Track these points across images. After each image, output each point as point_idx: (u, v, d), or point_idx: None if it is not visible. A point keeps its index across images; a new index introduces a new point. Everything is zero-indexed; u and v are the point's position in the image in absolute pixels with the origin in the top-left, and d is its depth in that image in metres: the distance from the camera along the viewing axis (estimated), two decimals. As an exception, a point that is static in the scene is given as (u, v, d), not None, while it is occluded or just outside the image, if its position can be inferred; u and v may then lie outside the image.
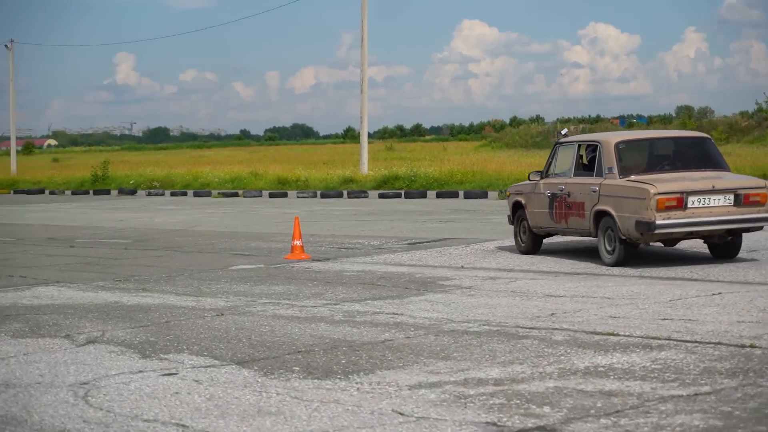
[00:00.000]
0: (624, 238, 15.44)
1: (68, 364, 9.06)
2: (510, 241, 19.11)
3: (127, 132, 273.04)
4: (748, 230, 15.84)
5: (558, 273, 14.86)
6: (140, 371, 8.72)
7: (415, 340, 9.86)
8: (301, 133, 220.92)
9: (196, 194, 46.30)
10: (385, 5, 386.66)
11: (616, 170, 15.90)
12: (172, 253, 19.48)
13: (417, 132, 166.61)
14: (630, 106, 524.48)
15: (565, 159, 17.51)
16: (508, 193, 19.39)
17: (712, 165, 16.30)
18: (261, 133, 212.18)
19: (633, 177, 15.71)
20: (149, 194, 48.65)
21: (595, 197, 16.05)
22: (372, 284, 14.14)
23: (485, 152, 74.55)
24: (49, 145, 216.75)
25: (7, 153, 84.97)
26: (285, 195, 43.22)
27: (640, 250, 16.80)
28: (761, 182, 15.95)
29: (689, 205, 15.19)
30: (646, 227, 15.05)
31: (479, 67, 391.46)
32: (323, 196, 41.75)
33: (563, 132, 19.74)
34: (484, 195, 37.48)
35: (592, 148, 16.79)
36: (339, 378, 8.26)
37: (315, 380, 8.20)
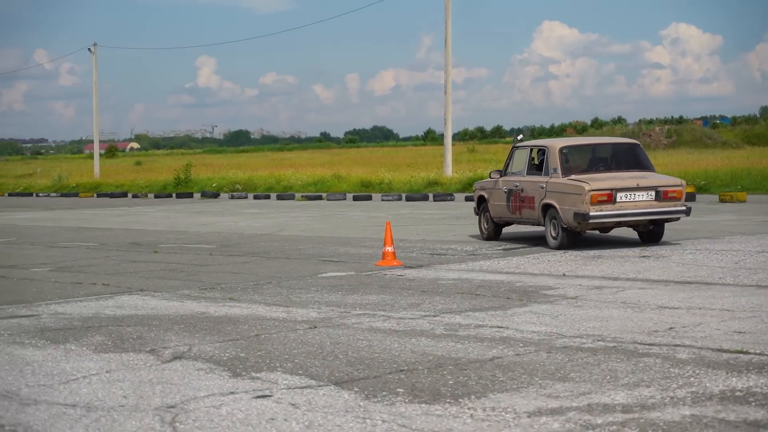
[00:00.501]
0: (565, 226, 18.97)
1: (153, 384, 8.40)
2: (611, 248, 18.39)
3: (208, 135, 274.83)
4: (667, 221, 19.43)
5: (668, 282, 13.98)
6: (231, 393, 8.02)
7: (526, 357, 9.08)
8: (381, 136, 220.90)
9: (279, 197, 45.78)
10: (465, 7, 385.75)
11: (559, 170, 19.42)
12: (259, 259, 18.86)
13: (497, 134, 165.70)
14: (713, 107, 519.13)
15: (520, 160, 20.96)
16: (474, 189, 22.80)
17: (640, 167, 19.84)
18: (341, 136, 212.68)
19: (573, 176, 19.21)
20: (232, 197, 48.17)
21: (543, 193, 19.59)
22: (471, 294, 13.37)
23: (569, 154, 73.25)
24: (131, 149, 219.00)
25: (91, 156, 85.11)
26: (369, 198, 42.55)
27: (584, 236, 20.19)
28: (678, 181, 19.53)
29: (618, 199, 18.71)
30: (582, 218, 18.54)
31: (559, 68, 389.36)
32: (408, 199, 41.01)
33: (519, 138, 23.02)
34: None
35: (542, 151, 20.23)
36: (448, 402, 7.51)
37: (422, 405, 7.45)
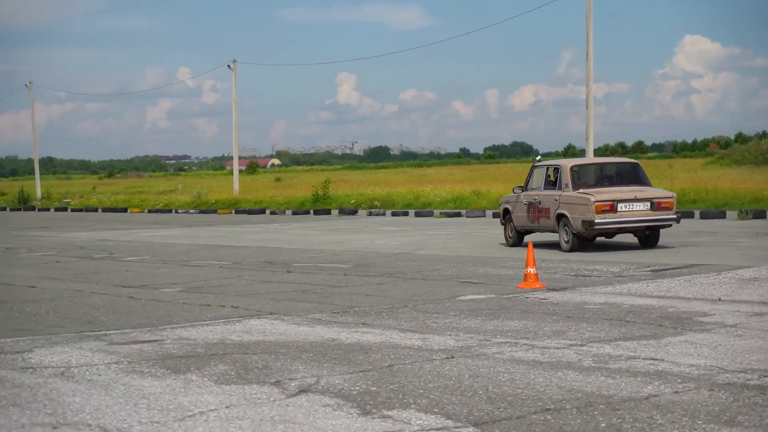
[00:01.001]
0: (575, 232, 22.74)
1: (275, 422, 7.68)
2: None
3: (348, 151, 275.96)
4: (661, 227, 23.10)
5: (836, 308, 12.86)
6: (359, 435, 7.28)
7: (686, 395, 8.16)
8: (520, 151, 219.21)
9: (418, 214, 45.06)
10: (606, 22, 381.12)
11: (570, 185, 23.15)
12: (395, 279, 18.13)
13: (638, 149, 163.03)
14: None
15: (538, 178, 24.64)
16: (499, 203, 26.97)
17: (638, 182, 23.40)
18: (480, 151, 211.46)
19: (581, 190, 22.88)
20: (370, 214, 47.57)
21: (557, 204, 23.31)
22: (620, 320, 12.43)
23: (713, 169, 71.42)
24: (272, 165, 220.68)
25: (231, 173, 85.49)
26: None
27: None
28: (669, 194, 23.24)
29: (619, 209, 22.39)
30: (589, 224, 22.24)
31: (701, 82, 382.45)
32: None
33: (537, 158, 27.25)
34: (722, 215, 35.14)
35: (556, 170, 23.82)
36: (602, 451, 6.65)
37: (573, 453, 6.61)
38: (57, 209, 66.96)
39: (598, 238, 23.98)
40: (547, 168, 24.21)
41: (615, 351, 10.26)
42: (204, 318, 13.77)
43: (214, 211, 56.45)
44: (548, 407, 7.91)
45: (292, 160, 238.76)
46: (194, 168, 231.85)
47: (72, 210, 64.50)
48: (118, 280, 19.49)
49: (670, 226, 23.16)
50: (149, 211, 60.42)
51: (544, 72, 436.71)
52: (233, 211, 55.58)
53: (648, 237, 23.42)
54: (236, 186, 70.52)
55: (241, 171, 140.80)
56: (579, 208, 22.52)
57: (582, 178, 23.47)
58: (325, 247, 26.49)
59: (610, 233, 23.18)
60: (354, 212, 49.22)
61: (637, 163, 24.18)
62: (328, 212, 50.35)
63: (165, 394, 8.81)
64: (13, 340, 12.21)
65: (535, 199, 24.24)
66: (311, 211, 51.00)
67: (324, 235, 32.27)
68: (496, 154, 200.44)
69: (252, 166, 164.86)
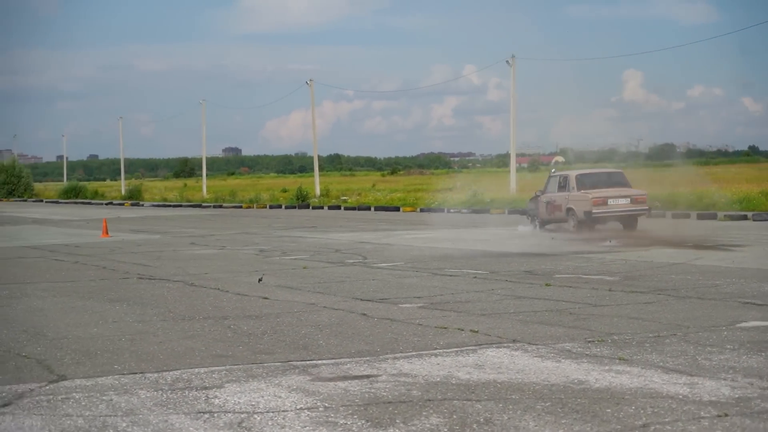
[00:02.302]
0: (582, 220, 32.23)
1: None
2: None
3: (633, 149, 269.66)
4: (638, 215, 32.84)
5: None
6: None
7: None
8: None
9: (700, 216, 41.90)
10: None
11: (575, 188, 32.90)
12: (665, 298, 15.77)
13: None
14: None
15: (553, 184, 34.54)
16: (526, 203, 38.88)
17: (622, 185, 33.11)
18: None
19: (583, 190, 32.54)
20: (649, 215, 44.52)
21: (567, 201, 33.05)
22: None
23: None
24: (556, 162, 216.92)
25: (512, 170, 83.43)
26: (803, 219, 38.06)
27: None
28: (643, 191, 33.01)
29: (609, 203, 31.94)
30: (588, 214, 31.88)
31: None
32: None
33: (553, 170, 37.47)
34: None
35: (565, 178, 33.78)
36: None
37: None
38: (330, 207, 66.48)
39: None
40: (559, 177, 34.49)
41: None
42: (435, 345, 11.87)
43: (487, 211, 54.60)
44: None
45: (576, 158, 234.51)
46: (478, 165, 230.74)
47: (345, 208, 63.65)
48: (359, 291, 17.85)
49: (644, 214, 33.23)
50: (421, 210, 59.12)
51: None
52: (506, 211, 53.62)
53: (629, 224, 33.05)
54: (513, 184, 68.62)
55: (522, 168, 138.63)
56: (582, 203, 32.55)
57: (583, 182, 33.22)
58: (594, 255, 24.21)
59: (604, 220, 32.57)
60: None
61: (621, 171, 35.42)
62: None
63: (347, 464, 6.96)
64: (209, 370, 10.63)
65: (551, 199, 34.39)
66: (589, 212, 48.54)
67: (597, 241, 29.94)
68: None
69: (534, 164, 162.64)
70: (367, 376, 10.11)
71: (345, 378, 10.06)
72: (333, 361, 11.04)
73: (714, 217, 41.28)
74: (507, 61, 75.00)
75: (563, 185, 33.61)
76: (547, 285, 17.94)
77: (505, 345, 11.74)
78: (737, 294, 15.89)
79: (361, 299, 16.62)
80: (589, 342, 11.77)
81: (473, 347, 11.65)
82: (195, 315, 15.22)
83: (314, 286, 18.80)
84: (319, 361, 11.02)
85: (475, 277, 19.69)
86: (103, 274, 22.67)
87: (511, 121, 72.75)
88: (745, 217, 40.06)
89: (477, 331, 12.78)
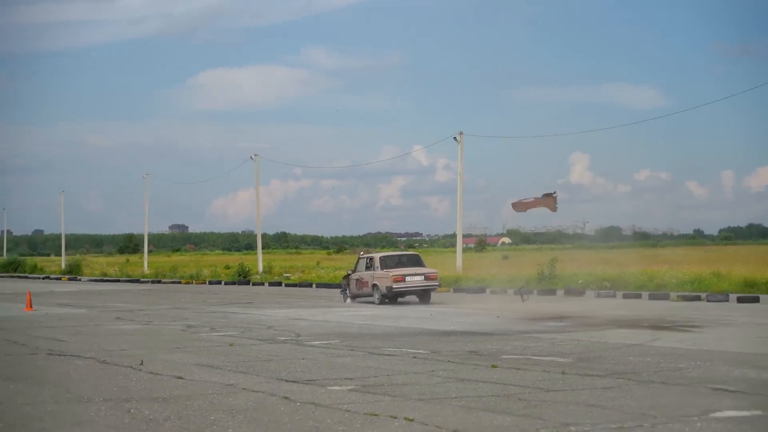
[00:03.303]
0: (384, 294, 37.86)
1: None
2: None
3: (579, 231, 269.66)
4: (432, 290, 39.07)
5: None
6: None
7: None
8: (757, 234, 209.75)
9: (652, 296, 40.33)
10: None
11: (379, 267, 38.61)
12: (626, 382, 14.10)
13: None
14: None
15: (362, 264, 40.07)
16: (341, 280, 43.94)
17: (418, 265, 39.41)
18: (715, 233, 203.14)
19: (385, 270, 38.25)
20: (598, 296, 42.96)
21: (372, 278, 38.60)
22: None
23: None
24: (503, 243, 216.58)
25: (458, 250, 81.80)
26: (757, 300, 36.59)
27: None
28: (435, 270, 40.02)
29: (406, 280, 37.64)
30: (390, 289, 37.54)
31: None
32: (806, 302, 34.89)
33: (361, 253, 43.71)
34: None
35: (371, 259, 39.62)
36: None
37: None
38: (271, 284, 64.57)
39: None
40: (366, 258, 40.29)
41: None
42: (362, 438, 10.15)
43: (433, 289, 53.02)
44: None
45: (522, 239, 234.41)
46: (425, 245, 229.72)
47: (287, 285, 61.63)
48: (285, 371, 16.06)
49: (435, 289, 39.91)
50: (365, 288, 57.47)
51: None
52: (452, 290, 52.01)
53: (423, 297, 38.82)
54: (459, 263, 66.86)
55: (469, 248, 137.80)
56: (384, 279, 38.10)
57: (386, 263, 39.09)
58: (544, 335, 22.56)
59: (403, 294, 38.39)
60: (581, 293, 44.81)
61: (418, 255, 41.91)
62: (553, 292, 46.22)
63: None
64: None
65: (360, 277, 39.78)
66: (535, 291, 46.92)
67: (546, 319, 28.31)
68: (732, 235, 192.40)
69: (481, 244, 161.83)
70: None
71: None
72: (239, 457, 9.30)
73: (666, 297, 39.75)
74: (455, 138, 73.64)
75: (369, 265, 39.65)
76: (493, 367, 16.24)
77: (444, 439, 10.03)
78: (705, 379, 14.26)
79: (286, 380, 14.86)
80: (543, 435, 10.09)
81: (407, 440, 9.94)
82: (95, 396, 13.42)
83: (237, 365, 17.01)
84: (222, 458, 9.28)
85: (414, 357, 17.97)
86: (11, 349, 20.80)
87: (458, 199, 71.19)
88: (698, 298, 38.55)
89: (412, 420, 11.05)
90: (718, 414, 11.18)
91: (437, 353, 18.63)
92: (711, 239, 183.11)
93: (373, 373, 15.53)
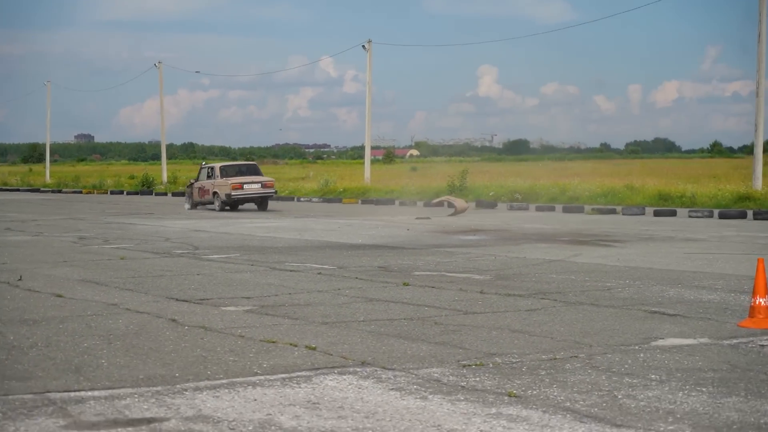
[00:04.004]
0: (224, 201, 41.21)
1: None
2: None
3: (487, 144, 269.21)
4: (269, 198, 42.95)
5: None
6: None
7: None
8: (663, 147, 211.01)
9: (566, 209, 39.39)
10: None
11: (219, 176, 41.82)
12: (552, 304, 12.79)
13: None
14: None
15: (203, 173, 43.43)
16: (185, 187, 47.25)
17: (257, 173, 42.71)
18: (621, 147, 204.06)
19: (224, 178, 41.56)
20: (511, 208, 41.92)
21: (213, 186, 41.78)
22: None
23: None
24: (411, 155, 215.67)
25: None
26: (674, 213, 35.70)
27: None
28: (271, 179, 44.23)
29: (244, 188, 41.16)
30: (228, 196, 41.09)
31: None
32: (722, 216, 34.01)
33: (203, 163, 46.01)
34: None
35: (212, 169, 42.87)
36: None
37: None
38: (175, 194, 62.67)
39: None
40: (208, 168, 43.49)
41: None
42: (256, 369, 8.68)
43: (339, 201, 51.64)
44: None
45: (431, 152, 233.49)
46: (333, 156, 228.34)
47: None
48: (177, 288, 14.54)
49: (272, 196, 43.42)
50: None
51: (688, 69, 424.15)
52: (359, 201, 50.66)
53: (262, 204, 42.39)
54: (367, 174, 65.46)
55: (377, 160, 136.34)
56: (224, 187, 41.14)
57: (225, 172, 42.23)
58: (457, 249, 21.26)
59: (242, 201, 41.88)
60: (493, 205, 43.74)
61: (256, 164, 45.28)
62: (463, 205, 45.07)
63: None
64: None
65: (202, 186, 42.98)
66: (446, 203, 45.69)
67: (459, 233, 27.03)
68: (639, 149, 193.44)
69: (389, 156, 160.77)
70: (149, 421, 6.91)
71: (116, 423, 6.85)
72: (108, 392, 7.79)
73: (581, 210, 38.81)
74: (363, 46, 71.93)
75: (211, 174, 42.93)
76: (405, 284, 14.85)
77: (351, 370, 8.60)
78: (638, 300, 12.98)
79: (177, 299, 13.34)
80: (465, 366, 8.71)
81: (307, 373, 8.49)
82: (-43, 318, 11.79)
83: (125, 282, 15.44)
84: (89, 393, 7.78)
85: (319, 273, 16.51)
86: None
87: (366, 109, 69.57)
88: (613, 211, 37.64)
89: (315, 348, 9.61)
90: (661, 342, 9.90)
91: (344, 269, 17.21)
92: (618, 153, 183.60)
93: (274, 291, 14.07)
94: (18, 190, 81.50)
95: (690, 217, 34.29)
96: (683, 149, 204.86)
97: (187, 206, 44.12)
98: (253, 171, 43.07)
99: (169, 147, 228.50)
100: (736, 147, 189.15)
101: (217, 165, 43.20)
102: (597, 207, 39.06)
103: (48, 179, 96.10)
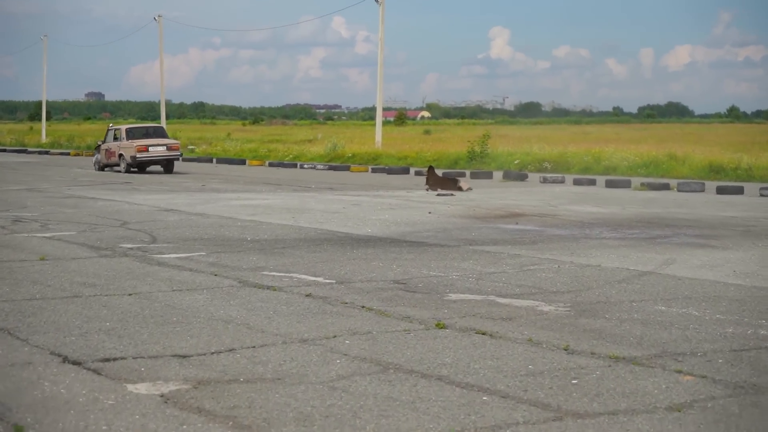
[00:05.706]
0: (129, 163, 41.97)
1: None
2: None
3: (499, 106, 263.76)
4: (175, 160, 43.03)
5: None
6: None
7: None
8: (676, 112, 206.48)
9: (609, 183, 33.54)
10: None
11: (125, 138, 42.48)
12: (709, 387, 7.45)
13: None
14: None
15: (110, 135, 43.87)
16: (95, 149, 47.25)
17: (163, 136, 43.78)
18: (634, 111, 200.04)
19: (130, 140, 42.33)
20: (545, 181, 35.95)
21: (119, 148, 42.52)
22: None
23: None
24: (422, 117, 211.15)
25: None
26: (741, 191, 29.94)
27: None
28: (177, 141, 44.77)
29: (150, 150, 41.69)
30: (134, 158, 41.75)
31: None
32: (798, 193, 28.50)
33: (111, 125, 46.25)
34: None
35: (119, 131, 43.36)
36: None
37: None
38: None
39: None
40: (115, 130, 43.84)
41: None
42: None
43: (347, 168, 45.95)
44: None
45: (442, 114, 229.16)
46: (344, 117, 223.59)
47: (184, 159, 53.74)
48: (81, 330, 9.17)
49: (178, 159, 43.66)
50: (270, 164, 50.41)
51: (701, 33, 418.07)
52: (370, 169, 45.12)
53: (168, 167, 42.56)
54: (378, 137, 59.71)
55: (388, 122, 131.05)
56: (129, 150, 41.89)
57: (132, 134, 42.90)
58: (498, 249, 15.91)
59: (148, 163, 42.10)
60: (523, 176, 37.86)
61: (162, 127, 47.50)
62: (489, 175, 39.52)
63: None
64: None
65: (109, 148, 43.25)
66: (467, 173, 40.21)
67: (494, 218, 21.68)
68: (654, 113, 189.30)
69: (401, 117, 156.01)
70: None
71: None
72: None
73: (627, 184, 33.07)
74: (376, 0, 66.37)
75: (117, 136, 43.21)
76: (438, 326, 9.44)
77: None
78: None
79: (67, 357, 8.08)
80: None
81: None
82: None
83: (12, 310, 10.15)
84: None
85: (308, 296, 11.13)
86: None
87: (378, 66, 63.73)
88: (666, 186, 31.97)
89: None
90: None
91: (345, 285, 11.85)
92: (633, 117, 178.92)
93: (228, 342, 8.74)
94: (5, 150, 76.26)
95: (762, 195, 28.75)
96: (696, 114, 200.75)
97: (95, 168, 44.53)
98: (160, 134, 43.99)
99: (179, 106, 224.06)
100: (749, 112, 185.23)
101: (123, 127, 44.21)
102: (646, 181, 33.28)
103: (44, 138, 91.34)
